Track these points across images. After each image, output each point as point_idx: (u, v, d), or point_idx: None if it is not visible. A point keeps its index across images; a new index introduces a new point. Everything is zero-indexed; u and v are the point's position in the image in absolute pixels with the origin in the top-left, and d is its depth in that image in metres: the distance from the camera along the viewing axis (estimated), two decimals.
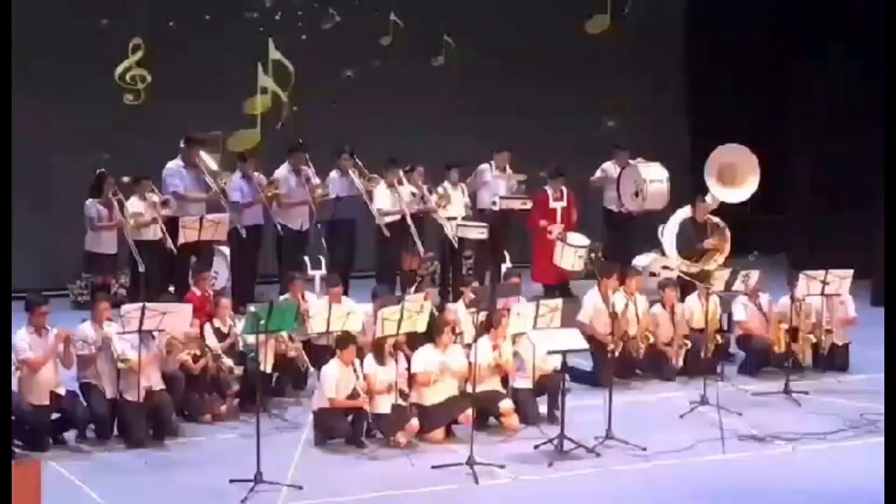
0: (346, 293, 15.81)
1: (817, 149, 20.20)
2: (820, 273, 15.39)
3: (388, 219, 17.38)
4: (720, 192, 16.92)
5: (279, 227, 17.13)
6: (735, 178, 16.98)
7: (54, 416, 13.02)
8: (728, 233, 16.85)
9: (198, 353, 13.76)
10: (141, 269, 16.26)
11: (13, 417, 12.61)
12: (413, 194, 17.60)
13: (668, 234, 17.13)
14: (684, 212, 16.99)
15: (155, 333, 13.18)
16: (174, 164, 16.99)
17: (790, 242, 20.26)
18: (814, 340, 15.79)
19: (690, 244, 16.71)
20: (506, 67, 20.13)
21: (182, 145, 17.02)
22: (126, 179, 16.69)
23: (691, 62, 21.57)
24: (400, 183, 17.56)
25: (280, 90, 19.42)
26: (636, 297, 15.54)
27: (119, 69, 18.50)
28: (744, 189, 16.95)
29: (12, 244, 17.31)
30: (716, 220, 16.92)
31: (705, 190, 17.11)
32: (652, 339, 15.38)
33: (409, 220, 17.37)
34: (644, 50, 20.90)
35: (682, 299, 15.85)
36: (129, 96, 18.64)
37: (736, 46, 20.93)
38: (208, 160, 17.09)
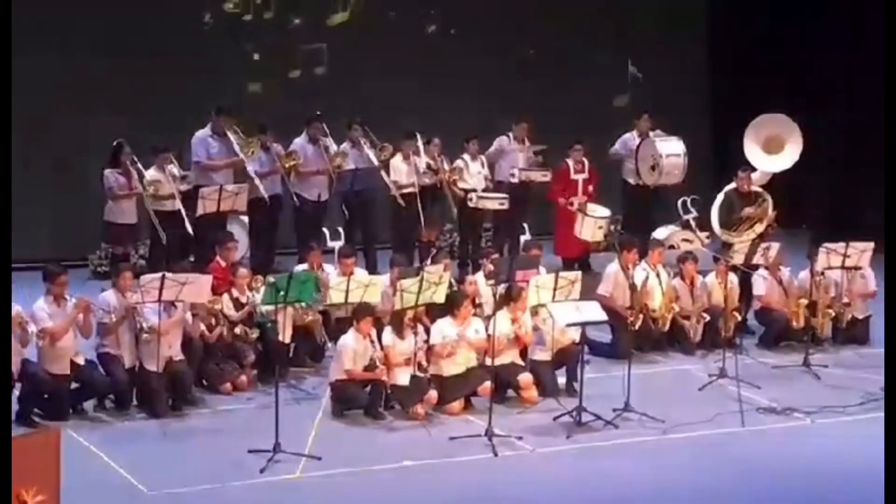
0: (370, 265, 15.83)
1: (839, 121, 20.11)
2: (840, 246, 15.35)
3: (404, 190, 17.36)
4: (763, 161, 16.96)
5: (296, 197, 17.11)
6: (780, 147, 17.20)
7: (74, 385, 13.06)
8: (769, 204, 16.89)
9: (213, 322, 13.77)
10: (162, 238, 16.26)
11: (32, 386, 12.71)
12: (429, 166, 17.57)
13: (714, 206, 17.27)
14: (731, 184, 17.22)
15: (176, 303, 13.21)
16: (202, 133, 16.92)
17: (810, 215, 20.19)
18: (833, 314, 15.75)
19: (731, 214, 16.92)
20: (526, 40, 20.08)
21: (214, 115, 17.01)
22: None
23: (713, 32, 21.47)
24: (416, 154, 17.53)
25: None
26: (659, 269, 15.51)
27: None
28: (787, 157, 17.10)
29: (32, 214, 17.54)
30: (758, 189, 17.00)
31: (746, 161, 17.18)
32: (677, 308, 15.36)
33: (416, 192, 17.32)
34: (665, 19, 20.82)
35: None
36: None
37: (758, 19, 20.81)
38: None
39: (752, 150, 17.65)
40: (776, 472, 12.13)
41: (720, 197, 17.35)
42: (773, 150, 17.69)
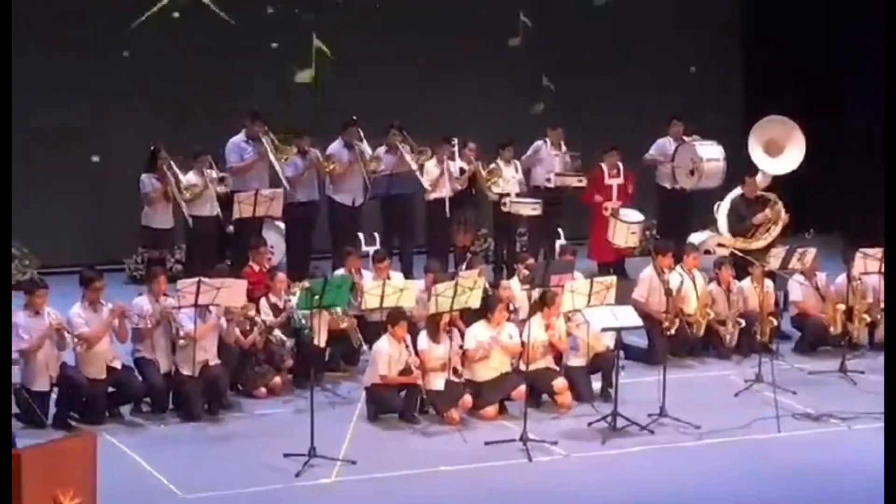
0: (406, 270, 15.83)
1: (874, 125, 19.98)
2: (877, 251, 15.27)
3: (436, 194, 17.38)
4: (767, 164, 16.87)
5: (331, 202, 17.16)
6: (781, 149, 17.12)
7: (110, 389, 13.12)
8: (780, 206, 16.88)
9: (247, 327, 13.80)
10: (188, 221, 16.26)
11: (69, 390, 12.79)
12: (462, 170, 17.58)
13: (721, 213, 17.22)
14: (737, 190, 17.09)
15: (211, 308, 13.26)
16: (237, 139, 16.97)
17: (846, 220, 20.09)
18: (869, 320, 15.67)
19: (742, 221, 16.85)
20: (558, 41, 20.05)
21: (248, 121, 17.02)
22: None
23: (748, 36, 21.39)
24: (451, 159, 17.53)
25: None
26: (694, 273, 15.47)
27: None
28: (790, 159, 17.02)
29: (69, 219, 17.63)
30: (767, 194, 16.96)
31: (753, 167, 17.12)
32: (712, 315, 15.31)
33: (445, 197, 17.32)
34: (700, 16, 20.77)
35: (740, 278, 15.77)
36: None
37: (794, 23, 20.72)
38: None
39: (756, 152, 17.64)
40: (813, 479, 12.09)
41: (726, 204, 17.28)
42: (773, 152, 17.64)
